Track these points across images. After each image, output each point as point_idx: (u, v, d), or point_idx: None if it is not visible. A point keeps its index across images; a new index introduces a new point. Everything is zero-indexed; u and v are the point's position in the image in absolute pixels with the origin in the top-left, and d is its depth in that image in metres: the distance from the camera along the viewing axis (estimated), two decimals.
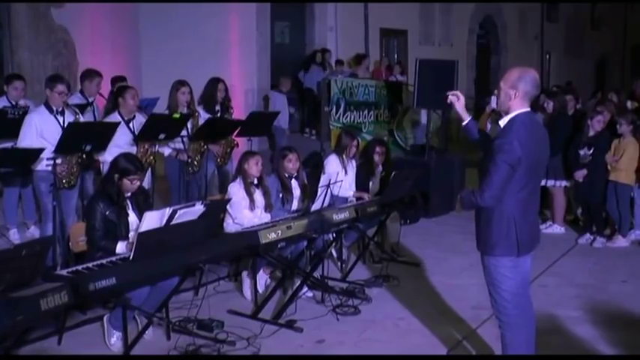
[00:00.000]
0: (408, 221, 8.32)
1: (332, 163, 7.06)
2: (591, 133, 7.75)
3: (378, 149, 7.27)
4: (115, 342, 4.86)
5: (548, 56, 22.32)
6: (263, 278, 5.99)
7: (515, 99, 3.86)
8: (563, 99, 8.53)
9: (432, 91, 9.33)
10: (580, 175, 7.79)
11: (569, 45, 23.36)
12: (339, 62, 13.38)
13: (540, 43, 21.75)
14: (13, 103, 7.00)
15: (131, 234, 4.81)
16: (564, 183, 8.19)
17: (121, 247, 4.76)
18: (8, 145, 6.21)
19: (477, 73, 18.89)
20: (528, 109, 3.92)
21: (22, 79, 7.25)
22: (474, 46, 18.94)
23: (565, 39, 23.29)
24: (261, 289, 5.86)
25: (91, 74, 7.72)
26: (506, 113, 3.91)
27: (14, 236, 7.06)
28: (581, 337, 5.13)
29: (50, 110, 6.12)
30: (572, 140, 7.96)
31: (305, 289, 5.78)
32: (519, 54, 19.63)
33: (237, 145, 7.39)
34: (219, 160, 7.29)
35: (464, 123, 4.28)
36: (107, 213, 4.85)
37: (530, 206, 3.98)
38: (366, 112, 11.73)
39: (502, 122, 3.92)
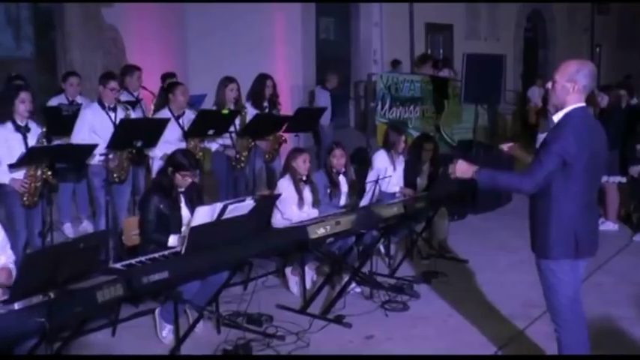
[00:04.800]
0: (456, 217, 8.26)
1: (380, 159, 7.04)
2: None
3: (426, 145, 7.22)
4: (166, 334, 4.93)
5: (598, 49, 21.89)
6: (309, 274, 6.01)
7: (572, 93, 3.72)
8: (617, 93, 8.37)
9: (480, 85, 9.25)
10: (635, 170, 7.63)
11: (621, 38, 22.86)
12: (396, 62, 13.34)
13: (590, 36, 21.34)
14: (70, 100, 7.15)
15: (183, 228, 4.87)
16: (618, 179, 8.01)
17: (173, 240, 4.82)
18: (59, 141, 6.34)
19: (523, 68, 18.64)
20: (584, 103, 3.78)
21: (77, 75, 7.38)
22: (521, 40, 18.68)
23: (617, 31, 22.80)
24: (308, 284, 5.88)
25: (130, 69, 7.85)
26: (561, 108, 3.77)
27: (68, 230, 7.22)
28: (636, 338, 5.02)
29: (102, 107, 6.25)
30: (628, 135, 7.79)
31: (353, 284, 5.78)
32: (568, 47, 19.29)
33: (285, 141, 7.42)
34: (266, 156, 7.32)
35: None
36: (161, 206, 4.93)
37: (590, 207, 3.85)
38: (411, 107, 11.64)
39: (556, 117, 3.78)
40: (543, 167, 3.68)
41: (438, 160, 7.34)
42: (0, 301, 3.59)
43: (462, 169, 3.99)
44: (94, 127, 6.16)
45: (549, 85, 3.85)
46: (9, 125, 5.48)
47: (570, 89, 3.73)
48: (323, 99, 10.84)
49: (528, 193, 3.81)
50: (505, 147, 4.37)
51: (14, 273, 3.99)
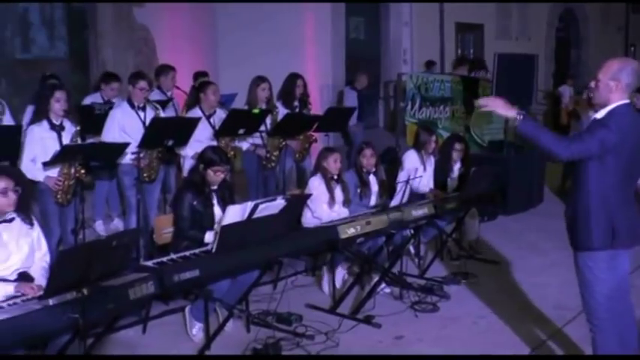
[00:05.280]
0: (486, 218, 8.19)
1: (411, 159, 7.01)
2: None
3: (457, 146, 7.17)
4: (196, 332, 4.96)
5: (633, 48, 21.57)
6: (341, 273, 6.01)
7: (615, 91, 3.73)
8: None
9: (511, 86, 9.16)
10: None
11: None
12: (431, 63, 13.27)
13: (625, 34, 21.04)
14: (105, 99, 7.22)
15: (216, 226, 4.90)
16: None
17: (209, 236, 4.84)
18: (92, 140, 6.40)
19: (555, 67, 18.44)
20: (628, 100, 3.79)
21: (120, 81, 7.40)
22: (553, 40, 18.48)
23: None
24: (338, 284, 5.88)
25: (165, 69, 7.93)
26: (604, 106, 3.78)
27: (99, 228, 7.29)
28: None
29: (132, 106, 6.29)
30: None
31: (383, 285, 5.77)
32: (601, 47, 19.04)
33: (316, 140, 7.42)
34: (297, 155, 7.33)
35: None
36: (194, 203, 4.96)
37: (628, 200, 3.85)
38: (441, 107, 11.58)
39: (599, 115, 3.79)
40: (583, 143, 3.71)
41: (468, 161, 7.29)
42: (35, 297, 3.65)
43: (505, 106, 3.84)
44: (123, 127, 6.21)
45: (593, 83, 3.85)
46: (44, 124, 5.55)
47: (613, 87, 3.74)
48: (351, 99, 10.80)
49: (560, 158, 3.80)
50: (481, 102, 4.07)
51: (41, 274, 4.04)
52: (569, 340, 4.90)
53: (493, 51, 11.19)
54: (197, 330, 4.95)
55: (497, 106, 3.86)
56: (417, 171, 6.44)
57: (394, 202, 5.76)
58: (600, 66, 3.86)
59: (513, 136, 10.85)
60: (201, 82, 7.23)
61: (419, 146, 7.10)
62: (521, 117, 3.77)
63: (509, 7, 16.80)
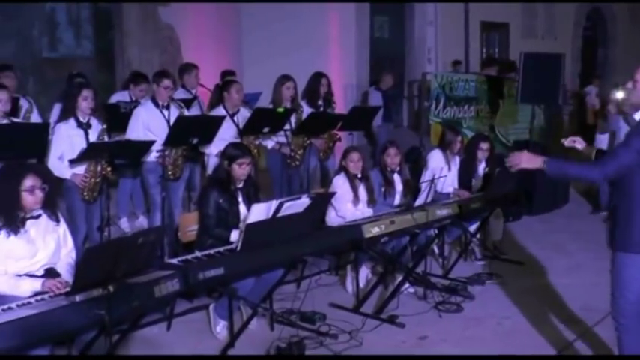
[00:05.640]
0: (511, 219, 8.13)
1: (435, 159, 6.97)
2: None
3: (482, 145, 7.11)
4: (220, 330, 4.98)
5: None
6: (364, 272, 6.00)
7: None
8: None
9: (537, 85, 9.09)
10: None
11: None
12: (457, 62, 13.20)
13: None
14: (132, 98, 7.27)
15: (241, 225, 4.90)
16: None
17: (235, 235, 4.85)
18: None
19: (581, 67, 18.25)
20: None
21: (148, 81, 7.38)
22: (579, 39, 18.29)
23: None
24: (362, 283, 5.87)
25: (188, 67, 7.96)
26: None
27: (124, 225, 7.34)
28: None
29: (156, 104, 6.31)
30: None
31: (407, 284, 5.75)
32: (629, 46, 18.79)
33: (340, 139, 7.41)
34: (321, 154, 7.32)
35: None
36: (220, 201, 4.98)
37: None
38: (466, 107, 11.52)
39: (637, 115, 3.81)
40: (616, 160, 3.74)
41: (493, 161, 7.24)
42: (62, 293, 3.69)
43: (529, 159, 3.96)
44: (148, 125, 6.23)
45: (630, 84, 3.85)
46: (71, 122, 5.60)
47: None
48: (375, 99, 10.76)
49: (598, 182, 3.82)
50: (567, 142, 4.32)
51: (67, 270, 4.08)
52: (598, 340, 4.84)
53: (519, 50, 11.12)
54: (221, 328, 4.97)
55: (522, 162, 3.96)
56: (442, 171, 6.41)
57: (419, 202, 5.73)
58: (636, 66, 3.84)
59: (538, 136, 10.81)
60: (225, 81, 7.25)
61: (444, 146, 7.06)
62: (546, 163, 3.87)
63: (535, 6, 16.65)
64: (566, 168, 3.91)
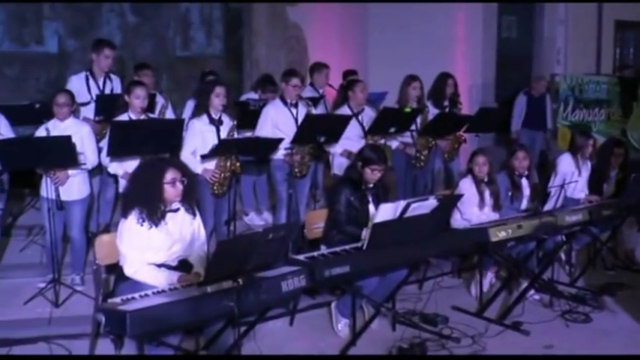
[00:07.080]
0: None
1: (565, 163, 6.72)
2: None
3: (616, 150, 6.82)
4: (342, 328, 5.02)
5: None
6: (489, 277, 5.89)
7: None
8: None
9: None
10: None
11: None
12: None
13: None
14: (260, 97, 7.46)
15: (370, 224, 4.93)
16: None
17: (365, 233, 4.87)
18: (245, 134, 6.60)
19: None
20: None
21: (276, 85, 7.49)
22: None
23: None
24: (485, 287, 5.76)
25: (319, 66, 8.05)
26: None
27: (250, 220, 7.51)
28: None
29: (285, 103, 6.42)
30: None
31: (532, 291, 5.60)
32: None
33: (465, 141, 7.28)
34: (445, 155, 7.24)
35: None
36: (351, 199, 5.02)
37: None
38: (596, 110, 11.09)
39: None
40: None
41: (628, 166, 6.92)
42: (196, 284, 3.83)
43: None
44: (276, 123, 6.35)
45: None
46: (204, 118, 5.79)
47: None
48: (519, 104, 10.26)
49: None
50: None
51: (199, 262, 4.21)
52: None
53: None
54: (343, 325, 5.01)
55: None
56: (573, 175, 6.20)
57: (547, 207, 5.57)
58: None
59: None
60: (350, 80, 7.29)
61: (574, 150, 6.81)
62: None
63: None
64: None
